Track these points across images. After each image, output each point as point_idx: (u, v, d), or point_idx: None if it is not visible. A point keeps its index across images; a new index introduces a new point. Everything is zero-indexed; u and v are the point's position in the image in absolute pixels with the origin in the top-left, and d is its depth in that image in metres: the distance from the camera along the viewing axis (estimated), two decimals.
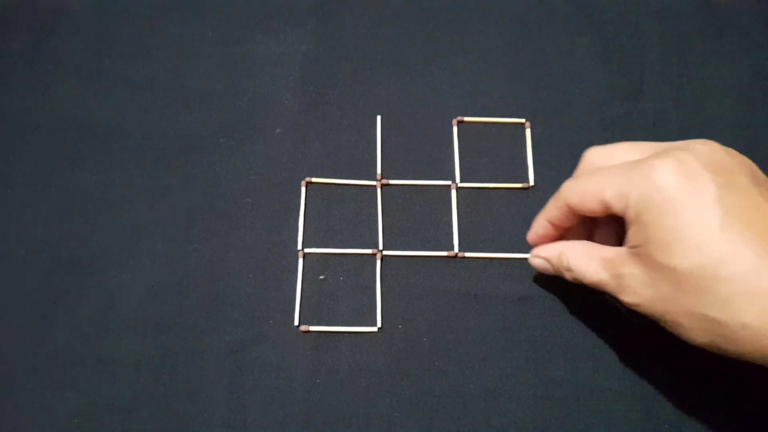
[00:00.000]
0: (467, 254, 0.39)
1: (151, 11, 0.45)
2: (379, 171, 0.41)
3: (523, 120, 0.42)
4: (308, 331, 0.38)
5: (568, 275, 0.34)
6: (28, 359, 0.37)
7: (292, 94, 0.43)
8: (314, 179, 0.41)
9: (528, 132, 0.42)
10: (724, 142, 0.41)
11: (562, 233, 0.36)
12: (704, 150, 0.30)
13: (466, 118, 0.42)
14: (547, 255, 0.35)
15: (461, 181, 0.41)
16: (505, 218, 0.40)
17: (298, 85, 0.43)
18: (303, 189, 0.41)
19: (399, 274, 0.39)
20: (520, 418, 0.36)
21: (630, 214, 0.30)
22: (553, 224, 0.35)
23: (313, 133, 0.42)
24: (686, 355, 0.37)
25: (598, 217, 0.33)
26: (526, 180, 0.41)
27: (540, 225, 0.36)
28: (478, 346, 0.38)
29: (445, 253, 0.39)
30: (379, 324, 0.38)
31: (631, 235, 0.30)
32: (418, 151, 0.42)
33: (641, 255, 0.30)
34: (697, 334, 0.29)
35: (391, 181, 0.41)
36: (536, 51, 0.44)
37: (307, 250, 0.39)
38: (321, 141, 0.42)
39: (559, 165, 0.41)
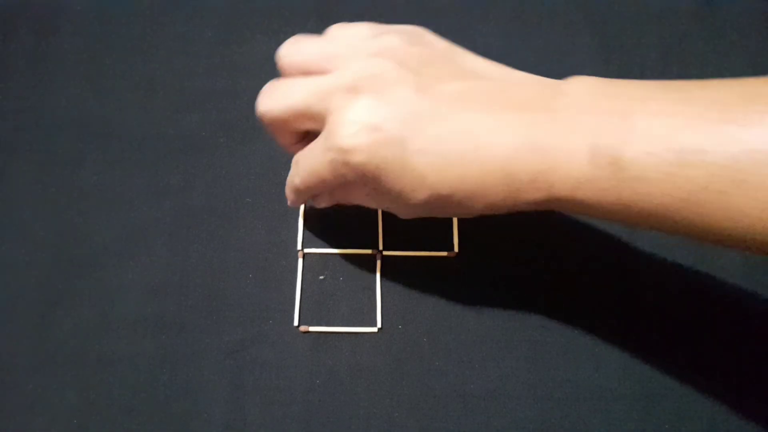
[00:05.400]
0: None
1: (151, 11, 0.45)
2: None
3: None
4: (308, 332, 0.38)
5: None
6: (28, 359, 0.37)
7: None
8: None
9: None
10: None
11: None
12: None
13: None
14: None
15: None
16: (504, 218, 0.40)
17: None
18: None
19: (399, 274, 0.39)
20: (520, 418, 0.36)
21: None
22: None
23: None
24: (687, 355, 0.37)
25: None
26: None
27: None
28: (478, 346, 0.38)
29: (445, 253, 0.39)
30: (379, 324, 0.38)
31: None
32: None
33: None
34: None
35: None
36: (536, 51, 0.44)
37: (307, 250, 0.39)
38: None
39: None
